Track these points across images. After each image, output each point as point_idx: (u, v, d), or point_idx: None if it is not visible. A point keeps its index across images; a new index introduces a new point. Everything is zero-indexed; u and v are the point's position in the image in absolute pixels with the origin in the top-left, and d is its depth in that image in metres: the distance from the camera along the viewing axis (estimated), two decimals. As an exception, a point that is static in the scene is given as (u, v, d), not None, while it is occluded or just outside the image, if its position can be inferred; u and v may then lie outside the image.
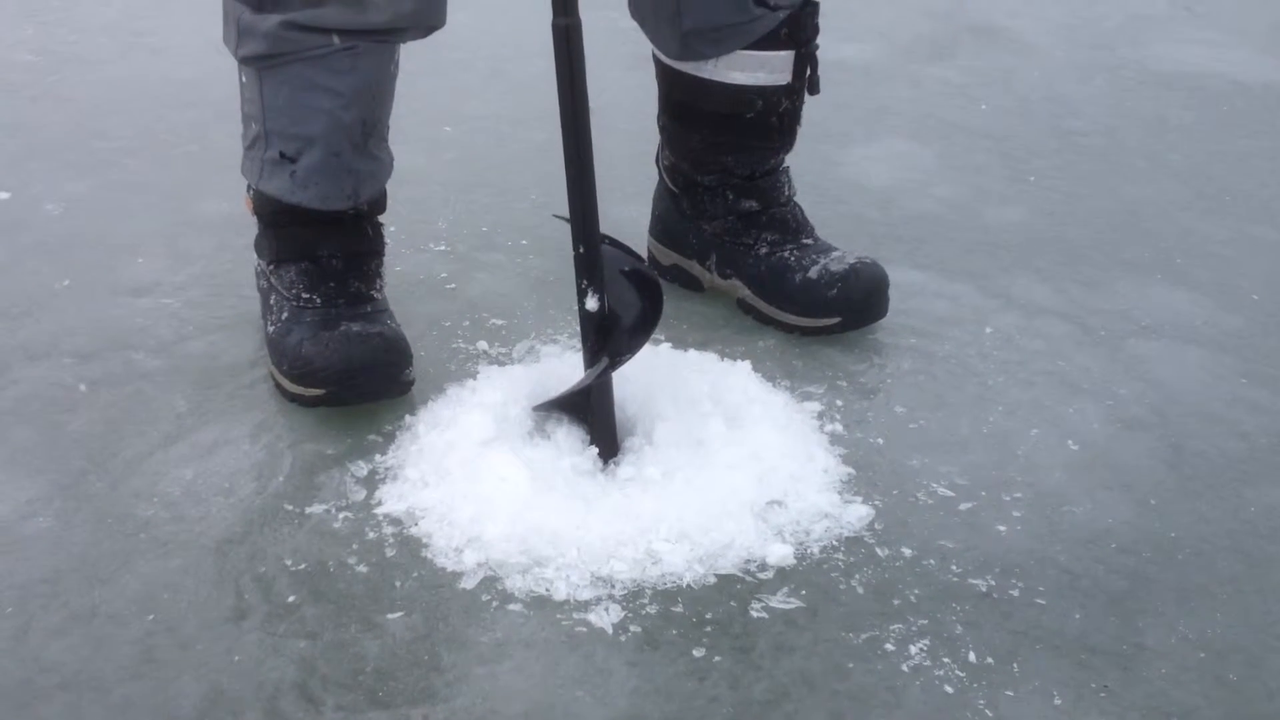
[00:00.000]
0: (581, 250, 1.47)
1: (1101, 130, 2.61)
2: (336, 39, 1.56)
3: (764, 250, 1.84)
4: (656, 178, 1.96)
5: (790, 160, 1.90)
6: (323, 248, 1.68)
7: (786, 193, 1.87)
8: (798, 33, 1.76)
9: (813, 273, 1.80)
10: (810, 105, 1.86)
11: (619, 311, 1.50)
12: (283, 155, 1.63)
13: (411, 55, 1.67)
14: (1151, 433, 1.64)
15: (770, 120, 1.80)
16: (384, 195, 1.72)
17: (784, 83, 1.78)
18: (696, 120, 1.82)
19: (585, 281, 1.47)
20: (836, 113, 2.57)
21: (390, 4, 1.55)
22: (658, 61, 1.85)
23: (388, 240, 1.75)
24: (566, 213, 1.47)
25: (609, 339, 1.49)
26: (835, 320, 1.79)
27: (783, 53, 1.76)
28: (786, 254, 1.83)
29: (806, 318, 1.80)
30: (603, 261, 1.48)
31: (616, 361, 1.48)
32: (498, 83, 2.73)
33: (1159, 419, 1.67)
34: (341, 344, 1.60)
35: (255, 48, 1.59)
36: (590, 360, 1.50)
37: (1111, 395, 1.71)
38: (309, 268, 1.68)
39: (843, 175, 2.37)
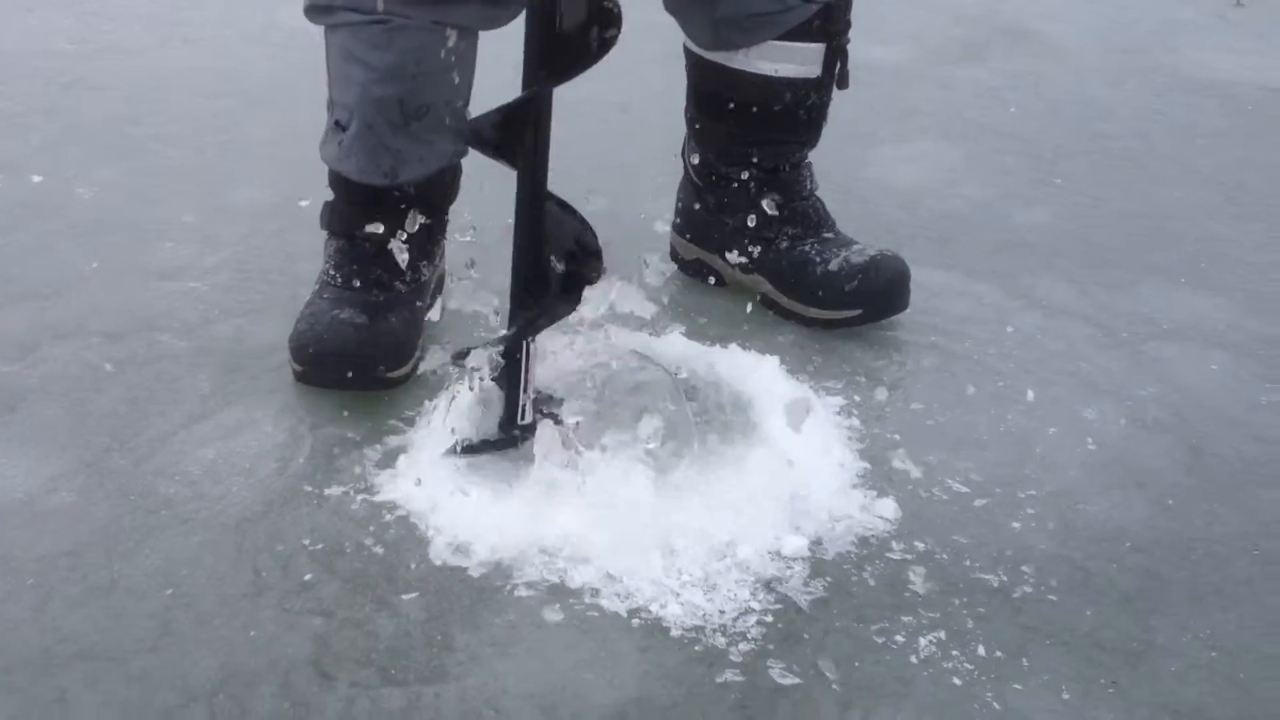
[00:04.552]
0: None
1: (1131, 134, 2.61)
2: (382, 3, 1.57)
3: (785, 244, 1.85)
4: (681, 174, 1.97)
5: (819, 159, 1.90)
6: (360, 228, 1.70)
7: (809, 187, 1.87)
8: (829, 25, 1.76)
9: (833, 265, 1.80)
10: (840, 105, 1.87)
11: (550, 274, 1.45)
12: (337, 123, 1.66)
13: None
14: (1170, 434, 1.64)
15: (798, 113, 1.80)
16: (440, 185, 1.73)
17: (813, 75, 1.78)
18: (724, 112, 1.83)
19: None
20: (866, 113, 2.58)
21: None
22: (688, 53, 1.86)
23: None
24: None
25: (531, 302, 1.46)
26: (856, 313, 1.80)
27: (814, 45, 1.77)
28: (808, 248, 1.84)
29: (827, 310, 1.80)
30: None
31: (527, 329, 1.45)
32: (528, 77, 2.75)
33: (1178, 421, 1.66)
34: (327, 327, 1.63)
35: None
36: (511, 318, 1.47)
37: (1131, 396, 1.71)
38: (344, 246, 1.71)
39: (871, 175, 2.37)
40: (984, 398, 1.70)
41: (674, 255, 1.98)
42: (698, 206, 1.92)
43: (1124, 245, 2.14)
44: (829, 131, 1.87)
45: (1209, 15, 3.36)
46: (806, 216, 1.86)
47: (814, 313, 1.81)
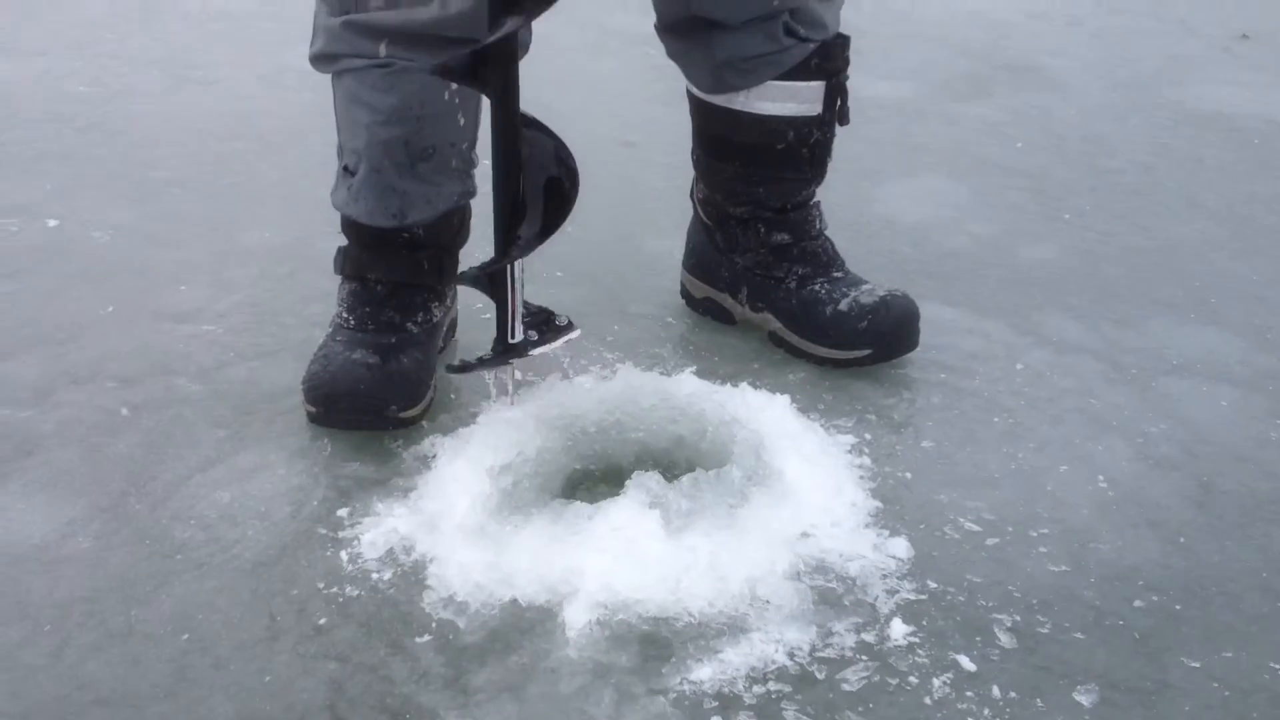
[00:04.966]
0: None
1: (1137, 169, 2.62)
2: (384, 49, 1.60)
3: (794, 283, 1.86)
4: (691, 212, 1.98)
5: (825, 196, 1.92)
6: (372, 271, 1.72)
7: (818, 226, 1.89)
8: (828, 63, 1.78)
9: (843, 305, 1.81)
10: (846, 141, 1.89)
11: (529, 204, 1.50)
12: (346, 169, 1.69)
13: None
14: (1181, 471, 1.64)
15: (801, 151, 1.82)
16: (448, 227, 1.74)
17: (814, 113, 1.80)
18: (729, 152, 1.85)
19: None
20: (872, 149, 2.59)
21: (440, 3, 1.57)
22: (691, 96, 1.88)
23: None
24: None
25: (513, 233, 1.51)
26: (866, 353, 1.81)
27: (813, 83, 1.78)
28: (817, 287, 1.85)
29: (837, 350, 1.81)
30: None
31: (513, 252, 1.50)
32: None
33: (1189, 458, 1.67)
34: (340, 368, 1.65)
35: (317, 45, 1.66)
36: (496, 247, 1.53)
37: (1141, 433, 1.71)
38: (356, 289, 1.73)
39: (877, 211, 2.38)
40: (994, 435, 1.70)
41: (684, 293, 1.99)
42: (707, 245, 1.94)
43: (1132, 280, 2.15)
44: (835, 168, 1.89)
45: (1214, 48, 3.38)
46: (816, 255, 1.87)
47: (824, 352, 1.82)
